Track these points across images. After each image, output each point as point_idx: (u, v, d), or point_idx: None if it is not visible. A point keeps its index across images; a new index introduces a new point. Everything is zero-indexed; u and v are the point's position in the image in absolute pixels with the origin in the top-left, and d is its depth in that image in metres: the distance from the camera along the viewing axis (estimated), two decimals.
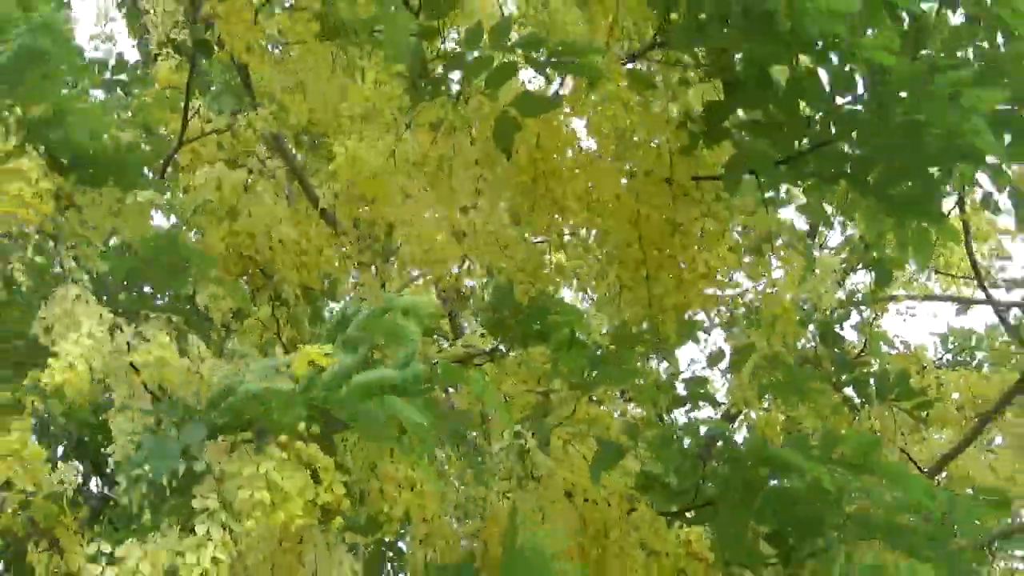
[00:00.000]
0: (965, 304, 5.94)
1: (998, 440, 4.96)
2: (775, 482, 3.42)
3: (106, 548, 2.46)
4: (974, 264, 4.86)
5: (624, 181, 3.23)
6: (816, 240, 4.83)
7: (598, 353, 3.81)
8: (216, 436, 2.66)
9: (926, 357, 5.27)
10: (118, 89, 5.07)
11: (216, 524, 2.44)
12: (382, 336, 2.41)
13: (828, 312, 4.42)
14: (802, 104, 3.12)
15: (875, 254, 4.69)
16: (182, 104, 3.73)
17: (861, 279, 5.19)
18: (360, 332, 2.44)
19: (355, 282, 4.21)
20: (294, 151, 4.56)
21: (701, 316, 4.61)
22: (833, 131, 3.09)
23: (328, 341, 2.53)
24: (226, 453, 2.65)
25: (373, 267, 3.82)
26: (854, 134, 3.05)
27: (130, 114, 4.08)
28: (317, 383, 2.34)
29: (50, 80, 2.87)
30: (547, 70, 3.19)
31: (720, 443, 3.92)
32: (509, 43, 3.10)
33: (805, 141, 3.13)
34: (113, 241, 3.43)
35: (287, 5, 3.45)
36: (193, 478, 2.71)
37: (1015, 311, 5.05)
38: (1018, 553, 4.47)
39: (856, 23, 2.88)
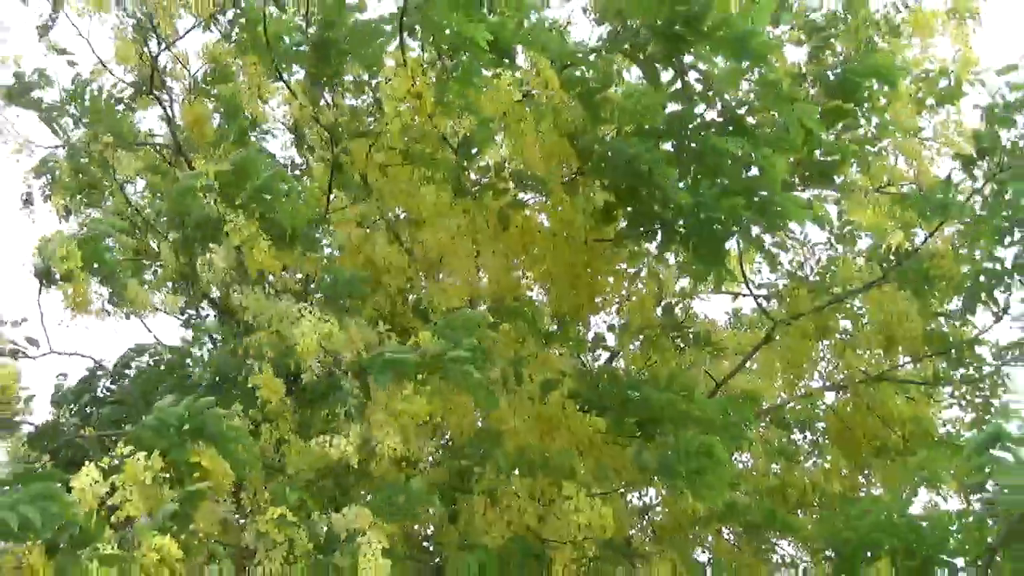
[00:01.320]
0: (735, 296, 7.26)
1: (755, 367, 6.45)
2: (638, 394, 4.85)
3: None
4: (745, 277, 6.12)
5: (562, 241, 4.85)
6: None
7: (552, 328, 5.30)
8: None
9: (718, 325, 6.68)
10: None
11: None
12: (460, 329, 3.89)
13: (672, 301, 6.03)
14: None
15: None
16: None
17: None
18: (448, 327, 3.93)
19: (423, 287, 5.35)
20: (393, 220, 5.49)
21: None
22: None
23: (432, 332, 3.95)
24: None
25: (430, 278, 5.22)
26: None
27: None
28: (428, 355, 3.79)
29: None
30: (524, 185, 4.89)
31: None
32: (506, 173, 5.11)
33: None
34: None
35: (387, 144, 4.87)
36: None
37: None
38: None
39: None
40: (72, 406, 5.31)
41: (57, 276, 4.38)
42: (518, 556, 4.48)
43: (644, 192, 4.46)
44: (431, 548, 5.62)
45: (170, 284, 5.65)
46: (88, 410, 5.29)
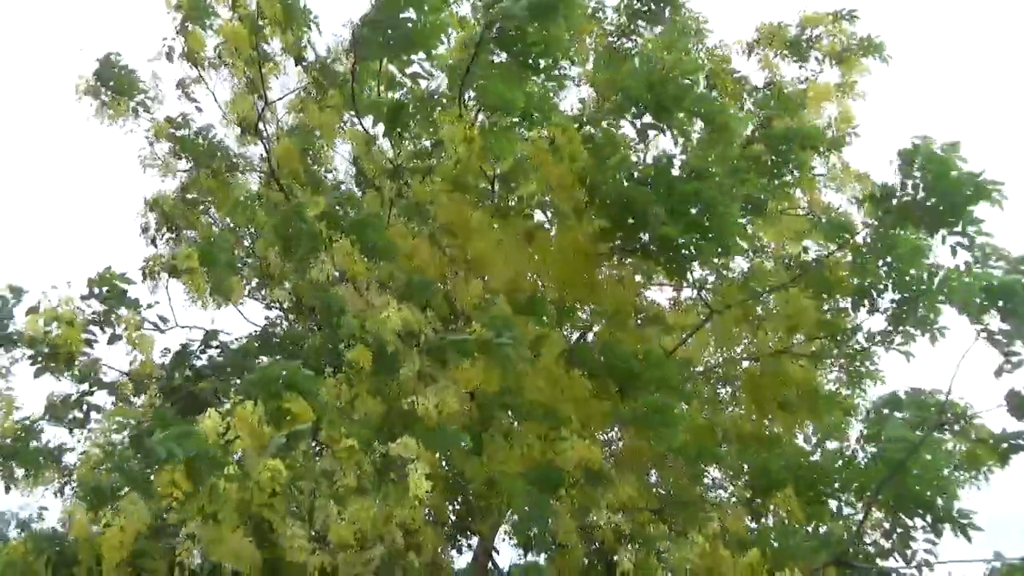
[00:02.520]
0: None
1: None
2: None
3: None
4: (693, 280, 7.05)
5: (570, 254, 5.69)
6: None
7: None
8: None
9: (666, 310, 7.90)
10: None
11: None
12: (500, 323, 4.68)
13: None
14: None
15: None
16: None
17: None
18: (493, 320, 4.71)
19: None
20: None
21: None
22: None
23: (482, 324, 4.74)
24: None
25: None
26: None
27: None
28: (475, 342, 4.63)
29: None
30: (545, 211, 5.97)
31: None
32: (532, 202, 6.10)
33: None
34: None
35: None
36: None
37: None
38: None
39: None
40: (187, 369, 6.10)
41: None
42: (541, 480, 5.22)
43: (633, 224, 5.28)
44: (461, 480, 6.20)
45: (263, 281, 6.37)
46: (197, 371, 6.08)
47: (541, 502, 4.87)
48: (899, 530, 5.09)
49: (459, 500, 6.48)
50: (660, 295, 7.04)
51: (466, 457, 5.78)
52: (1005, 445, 4.27)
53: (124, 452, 3.80)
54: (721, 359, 7.06)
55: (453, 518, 6.67)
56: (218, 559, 4.36)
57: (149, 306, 4.90)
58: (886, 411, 4.83)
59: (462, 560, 6.76)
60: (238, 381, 5.50)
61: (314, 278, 4.78)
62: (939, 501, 4.97)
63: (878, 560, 5.14)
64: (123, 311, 4.71)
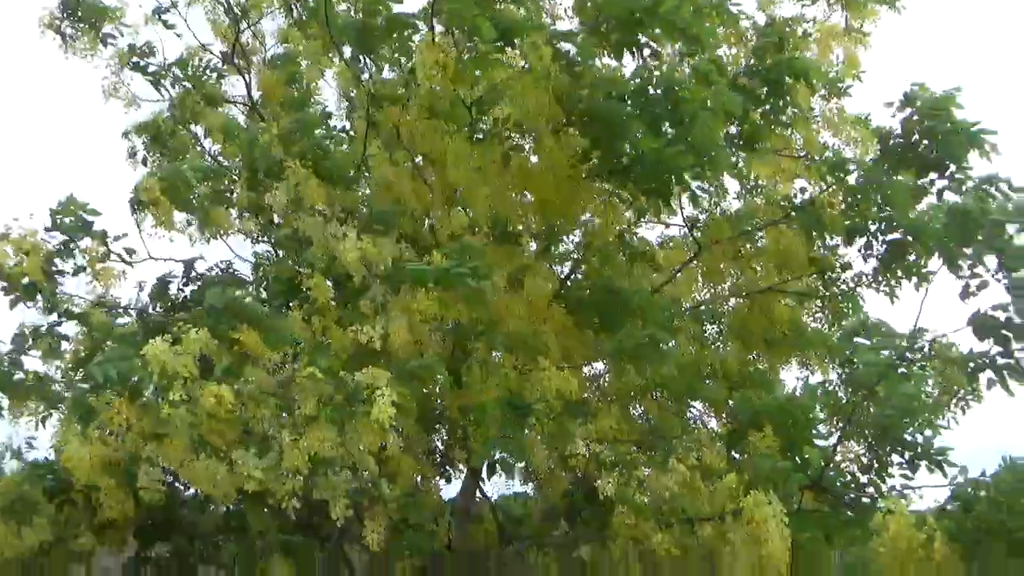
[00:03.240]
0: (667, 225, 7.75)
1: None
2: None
3: None
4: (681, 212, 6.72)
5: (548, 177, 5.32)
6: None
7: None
8: None
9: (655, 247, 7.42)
10: None
11: None
12: (463, 253, 4.61)
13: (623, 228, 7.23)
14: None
15: None
16: None
17: None
18: (455, 252, 4.63)
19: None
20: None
21: None
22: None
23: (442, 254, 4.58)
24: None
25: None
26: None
27: None
28: (432, 271, 4.46)
29: None
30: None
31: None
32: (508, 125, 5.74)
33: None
34: None
35: None
36: None
37: None
38: None
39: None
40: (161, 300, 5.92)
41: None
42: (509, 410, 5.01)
43: (612, 141, 4.97)
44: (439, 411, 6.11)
45: (243, 213, 6.12)
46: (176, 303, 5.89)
47: (510, 428, 4.80)
48: (875, 465, 4.75)
49: (445, 431, 6.22)
50: (650, 233, 6.68)
51: (445, 388, 5.66)
52: (972, 365, 3.94)
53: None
54: (709, 296, 6.65)
55: (440, 449, 6.42)
56: (196, 486, 4.11)
57: (117, 238, 4.59)
58: (856, 339, 4.49)
59: (452, 490, 6.51)
60: None
61: (276, 206, 4.45)
62: (918, 438, 4.82)
63: (854, 489, 4.82)
64: (87, 242, 4.38)
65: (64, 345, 4.72)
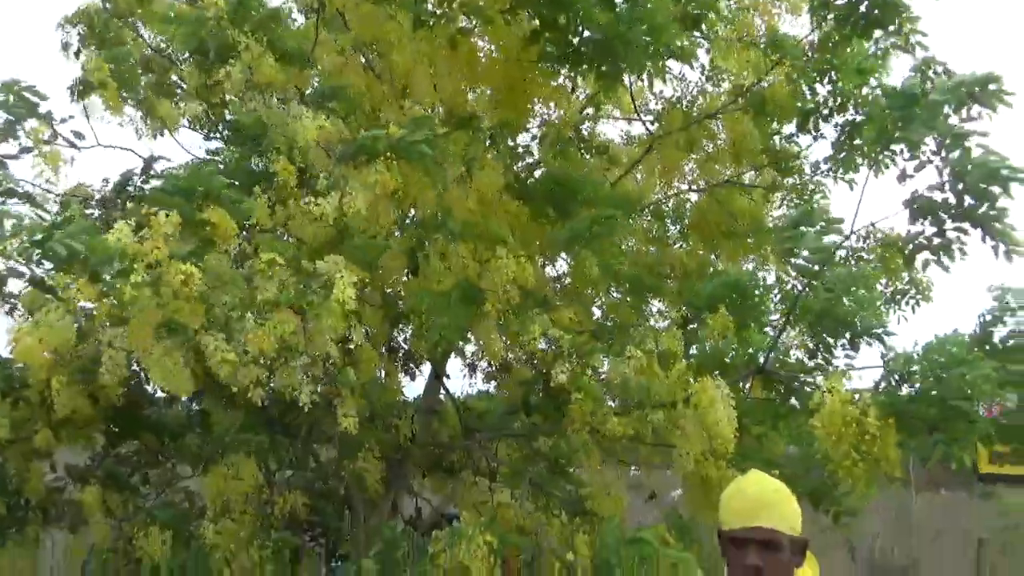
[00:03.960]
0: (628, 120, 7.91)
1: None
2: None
3: None
4: (633, 102, 6.79)
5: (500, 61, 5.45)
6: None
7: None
8: None
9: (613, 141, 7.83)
10: None
11: None
12: (415, 125, 4.57)
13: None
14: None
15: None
16: None
17: None
18: (407, 125, 4.61)
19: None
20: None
21: None
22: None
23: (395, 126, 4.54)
24: None
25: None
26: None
27: None
28: (385, 139, 4.43)
29: None
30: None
31: None
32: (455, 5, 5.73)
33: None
34: None
35: None
36: None
37: None
38: None
39: None
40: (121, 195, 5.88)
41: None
42: (461, 295, 5.13)
43: (564, 21, 4.94)
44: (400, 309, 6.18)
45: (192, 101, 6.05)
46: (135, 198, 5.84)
47: (459, 313, 4.87)
48: (820, 348, 4.97)
49: (408, 326, 6.38)
50: (612, 130, 6.72)
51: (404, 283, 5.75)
52: (911, 247, 4.10)
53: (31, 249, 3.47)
54: (667, 193, 6.76)
55: (404, 347, 6.59)
56: (153, 377, 4.18)
57: (63, 120, 4.55)
58: (801, 228, 4.62)
59: (415, 390, 6.71)
60: None
61: (230, 84, 4.42)
62: (859, 321, 5.01)
63: (800, 374, 5.05)
64: (32, 123, 4.34)
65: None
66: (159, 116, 5.29)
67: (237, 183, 4.49)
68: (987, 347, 4.15)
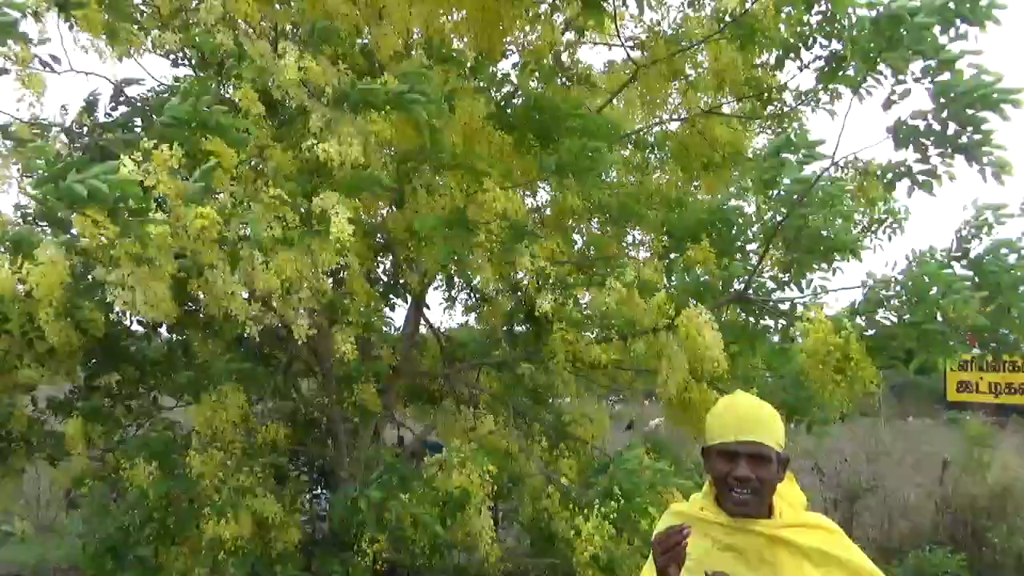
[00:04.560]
0: (609, 47, 7.74)
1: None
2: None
3: None
4: (617, 30, 7.70)
5: None
6: None
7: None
8: None
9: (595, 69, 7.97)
10: None
11: None
12: (414, 77, 4.54)
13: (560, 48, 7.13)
14: None
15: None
16: None
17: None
18: (407, 75, 4.60)
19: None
20: None
21: None
22: None
23: (395, 77, 4.56)
24: None
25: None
26: None
27: None
28: (385, 93, 4.43)
29: None
30: None
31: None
32: None
33: None
34: None
35: None
36: None
37: None
38: None
39: None
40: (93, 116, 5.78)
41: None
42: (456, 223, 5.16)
43: None
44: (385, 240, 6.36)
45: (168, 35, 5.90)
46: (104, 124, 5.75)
47: (456, 242, 4.68)
48: (794, 265, 5.15)
49: (389, 258, 6.47)
50: (595, 59, 6.73)
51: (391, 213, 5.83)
52: (890, 175, 4.22)
53: (46, 187, 3.45)
54: (649, 123, 6.83)
55: (384, 278, 6.69)
56: (138, 310, 4.21)
57: (41, 42, 4.47)
58: (782, 155, 4.71)
59: (396, 319, 6.83)
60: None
61: (206, 14, 4.36)
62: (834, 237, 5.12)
63: (775, 295, 5.24)
64: (11, 44, 4.26)
65: None
66: (127, 41, 5.16)
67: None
68: (962, 262, 4.31)
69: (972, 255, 4.31)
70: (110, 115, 5.90)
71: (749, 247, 6.34)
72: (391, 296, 6.86)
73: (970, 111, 3.77)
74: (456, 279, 6.71)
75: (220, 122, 4.05)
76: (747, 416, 2.06)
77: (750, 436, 2.02)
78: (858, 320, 4.75)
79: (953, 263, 4.25)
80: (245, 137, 4.21)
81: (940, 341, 3.95)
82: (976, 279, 4.11)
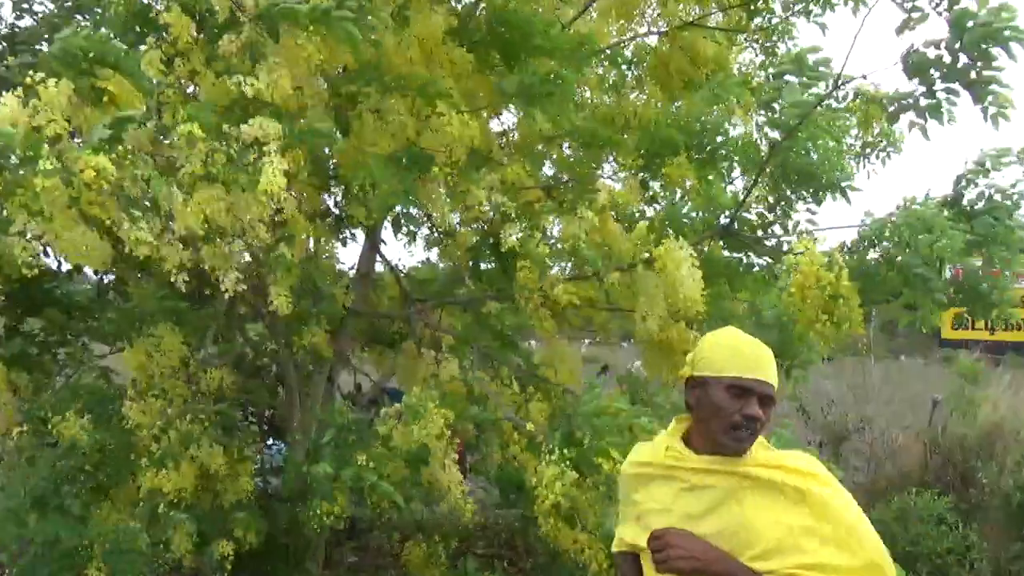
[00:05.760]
0: None
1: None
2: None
3: None
4: None
5: None
6: None
7: None
8: None
9: None
10: None
11: None
12: None
13: None
14: None
15: None
16: None
17: None
18: None
19: None
20: None
21: None
22: None
23: None
24: None
25: None
26: None
27: None
28: (308, 12, 4.27)
29: None
30: None
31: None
32: None
33: None
34: None
35: None
36: None
37: None
38: None
39: None
40: None
41: None
42: (407, 160, 5.07)
43: None
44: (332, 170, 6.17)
45: None
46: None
47: (407, 181, 4.55)
48: (781, 202, 5.13)
49: (340, 190, 6.32)
50: None
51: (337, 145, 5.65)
52: (895, 106, 4.18)
53: None
54: (625, 38, 6.65)
55: (335, 211, 6.55)
56: (66, 258, 4.06)
57: None
58: (786, 77, 4.63)
59: (350, 256, 6.72)
60: None
61: None
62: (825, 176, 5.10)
63: (760, 231, 5.22)
64: None
65: None
66: None
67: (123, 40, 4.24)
68: (956, 209, 4.34)
69: (965, 202, 4.28)
70: (15, 30, 5.62)
71: (734, 174, 6.25)
72: (342, 231, 6.74)
73: (984, 45, 3.72)
74: (416, 213, 6.57)
75: (113, 58, 3.89)
76: (763, 355, 2.09)
77: (765, 375, 2.06)
78: (849, 258, 4.76)
79: (946, 209, 4.24)
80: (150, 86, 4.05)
81: (924, 287, 3.98)
82: (971, 226, 4.12)
